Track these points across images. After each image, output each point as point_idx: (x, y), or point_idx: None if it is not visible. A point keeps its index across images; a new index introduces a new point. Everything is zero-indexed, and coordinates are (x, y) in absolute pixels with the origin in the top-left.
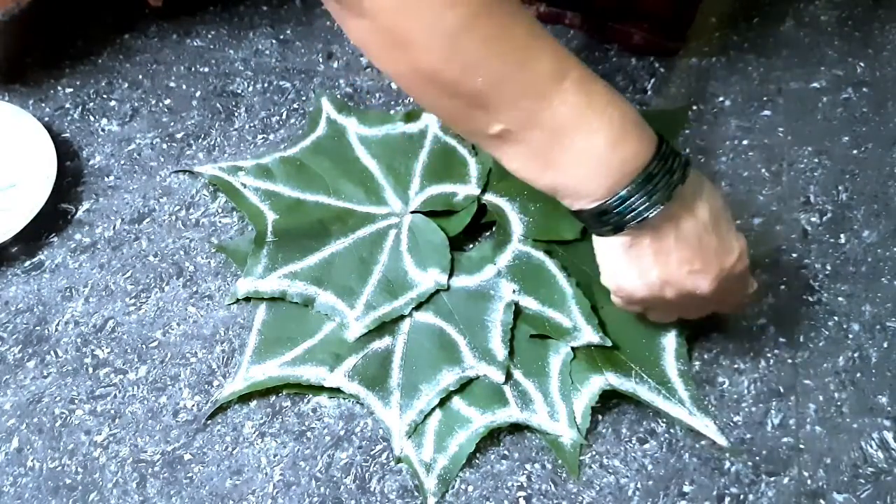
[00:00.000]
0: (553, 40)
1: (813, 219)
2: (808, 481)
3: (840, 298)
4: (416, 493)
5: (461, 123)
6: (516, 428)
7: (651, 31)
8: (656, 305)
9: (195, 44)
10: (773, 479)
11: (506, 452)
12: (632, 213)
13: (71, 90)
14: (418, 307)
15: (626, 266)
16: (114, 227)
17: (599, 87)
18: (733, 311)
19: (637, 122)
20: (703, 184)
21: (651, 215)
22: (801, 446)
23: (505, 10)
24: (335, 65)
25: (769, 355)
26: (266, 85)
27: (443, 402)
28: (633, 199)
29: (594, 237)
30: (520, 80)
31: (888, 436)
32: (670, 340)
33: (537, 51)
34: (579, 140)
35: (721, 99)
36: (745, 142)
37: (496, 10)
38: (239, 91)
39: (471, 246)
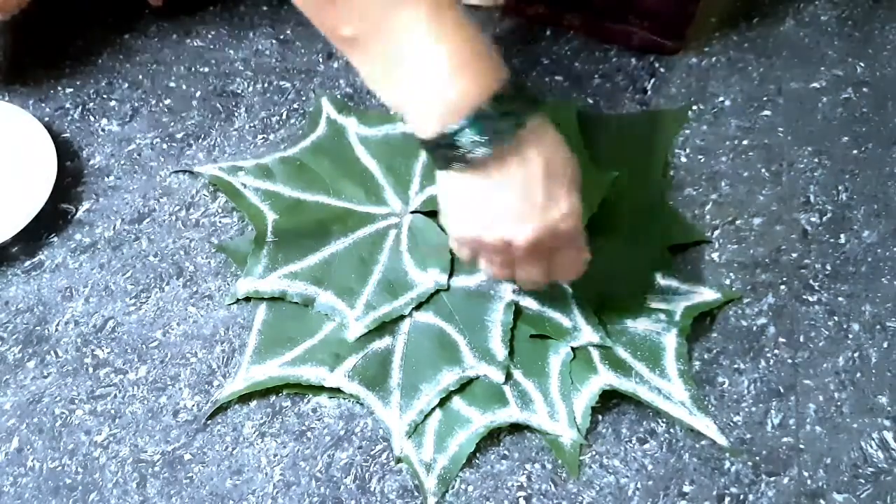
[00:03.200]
0: None
1: (813, 219)
2: (808, 481)
3: (840, 298)
4: (416, 493)
5: (315, 17)
6: (516, 428)
7: (650, 30)
8: (480, 250)
9: (195, 44)
10: (773, 479)
11: (506, 452)
12: (460, 151)
13: (71, 90)
14: (418, 307)
15: (457, 203)
16: (114, 227)
17: (452, 14)
18: (566, 278)
19: (483, 58)
20: (547, 136)
21: (477, 155)
22: (801, 446)
23: None
24: (335, 65)
25: (769, 355)
26: (266, 85)
27: (443, 402)
28: (462, 136)
29: (436, 172)
30: None
31: (888, 436)
32: (670, 340)
33: None
34: (420, 63)
35: (721, 99)
36: (745, 142)
37: None
38: (239, 91)
39: None
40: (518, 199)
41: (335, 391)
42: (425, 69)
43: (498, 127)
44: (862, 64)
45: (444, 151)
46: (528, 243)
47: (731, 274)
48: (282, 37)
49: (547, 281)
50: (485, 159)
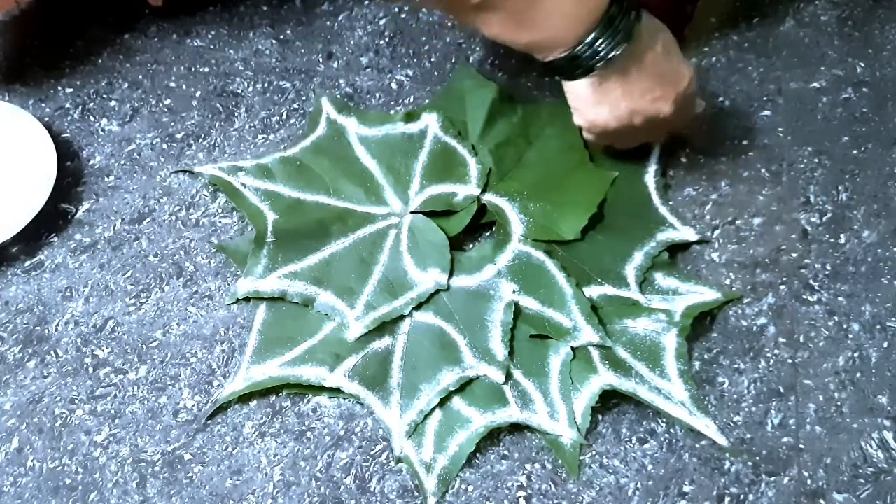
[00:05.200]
0: None
1: (813, 219)
2: (808, 481)
3: (840, 298)
4: (416, 493)
5: (443, 1)
6: (516, 428)
7: None
8: (626, 133)
9: (195, 44)
10: (773, 479)
11: (506, 452)
12: (599, 55)
13: (71, 90)
14: (418, 307)
15: (598, 103)
16: (114, 227)
17: None
18: (682, 128)
19: None
20: (654, 21)
21: (616, 55)
22: (801, 446)
23: None
24: (335, 65)
25: (769, 355)
26: (266, 85)
27: (443, 402)
28: (598, 42)
29: (565, 84)
30: None
31: (888, 436)
32: (670, 340)
33: None
34: (549, 1)
35: (721, 99)
36: (745, 142)
37: None
38: (239, 91)
39: (471, 246)
40: (655, 81)
41: (335, 391)
42: (556, 2)
43: (625, 25)
44: (862, 64)
45: (584, 61)
46: (672, 113)
47: (731, 274)
48: (282, 37)
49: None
50: (623, 56)
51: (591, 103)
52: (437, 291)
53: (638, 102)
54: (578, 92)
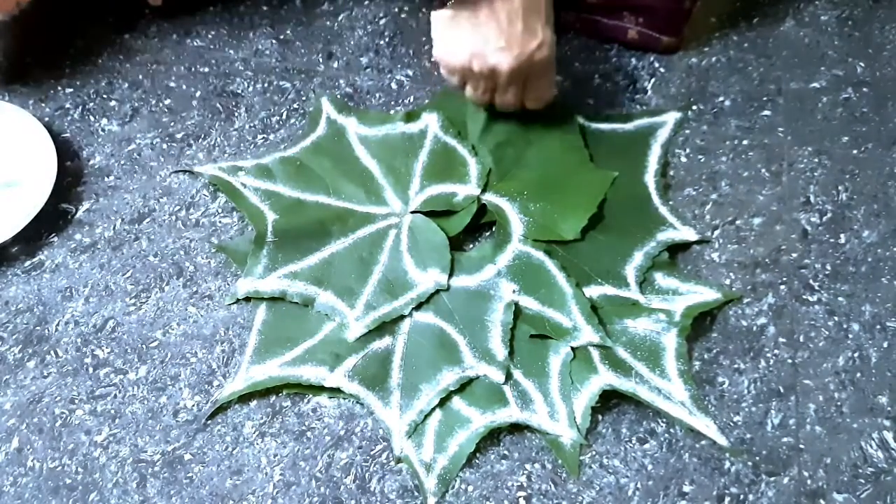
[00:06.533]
0: None
1: (813, 219)
2: (808, 481)
3: (840, 298)
4: (416, 493)
5: None
6: (516, 428)
7: (645, 26)
8: (468, 77)
9: (195, 44)
10: (773, 479)
11: (506, 452)
12: None
13: (71, 90)
14: (418, 307)
15: (447, 37)
16: (114, 227)
17: None
18: (536, 104)
19: None
20: None
21: None
22: (801, 446)
23: None
24: (335, 65)
25: (769, 355)
26: (266, 85)
27: (443, 402)
28: None
29: (432, 15)
30: None
31: (888, 436)
32: (670, 340)
33: None
34: None
35: (721, 99)
36: (745, 142)
37: None
38: (239, 91)
39: (471, 246)
40: (502, 30)
41: (335, 391)
42: None
43: None
44: (862, 64)
45: None
46: (511, 69)
47: (731, 274)
48: (282, 37)
49: (519, 105)
50: None
51: (443, 36)
52: (437, 291)
53: (479, 46)
54: (436, 23)
